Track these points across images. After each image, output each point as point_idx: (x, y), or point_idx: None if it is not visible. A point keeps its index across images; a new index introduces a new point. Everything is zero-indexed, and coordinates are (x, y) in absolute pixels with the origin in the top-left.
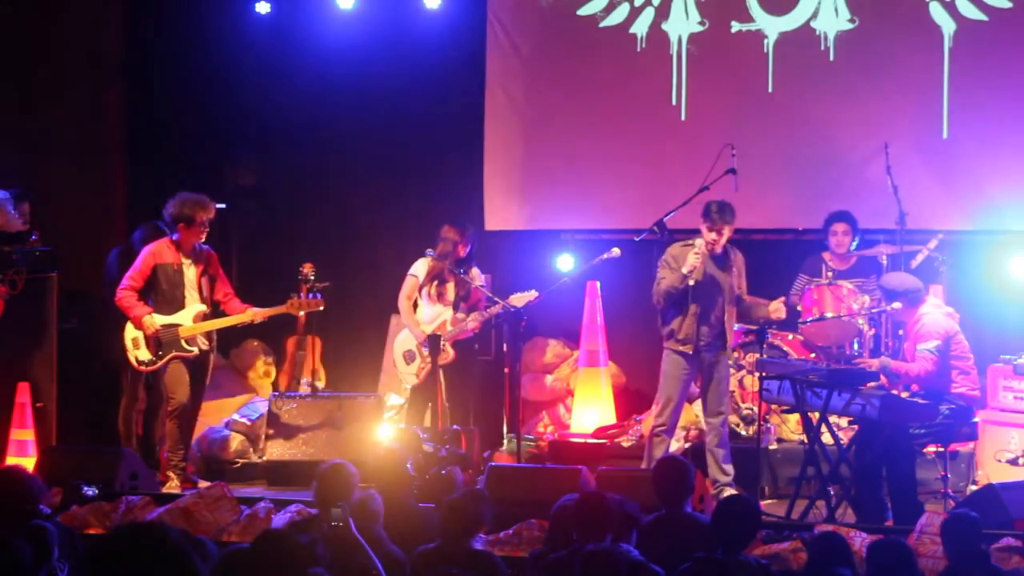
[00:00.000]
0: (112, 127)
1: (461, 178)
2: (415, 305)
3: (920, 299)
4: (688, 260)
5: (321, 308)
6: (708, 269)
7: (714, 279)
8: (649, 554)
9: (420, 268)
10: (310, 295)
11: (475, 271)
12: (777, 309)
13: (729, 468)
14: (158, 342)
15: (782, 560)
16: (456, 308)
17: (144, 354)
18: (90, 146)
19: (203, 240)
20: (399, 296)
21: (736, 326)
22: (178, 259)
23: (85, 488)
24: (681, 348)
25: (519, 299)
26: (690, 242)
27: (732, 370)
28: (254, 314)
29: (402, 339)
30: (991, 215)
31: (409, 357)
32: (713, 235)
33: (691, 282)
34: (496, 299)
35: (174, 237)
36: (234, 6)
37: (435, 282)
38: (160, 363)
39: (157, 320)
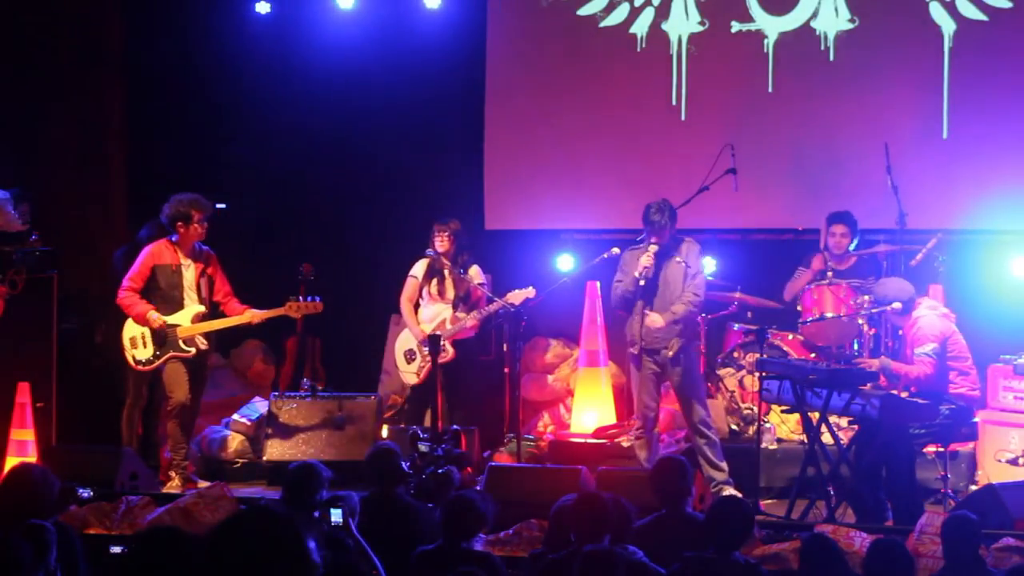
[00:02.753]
0: (112, 127)
1: (461, 178)
2: (417, 306)
3: (912, 304)
4: (640, 262)
5: (320, 311)
6: (657, 268)
7: (660, 277)
8: (649, 554)
9: (419, 268)
10: (309, 297)
11: (475, 269)
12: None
13: (722, 464)
14: (159, 340)
15: (782, 560)
16: (456, 307)
17: (142, 353)
18: (90, 146)
19: (203, 239)
20: (401, 297)
21: (736, 326)
22: (177, 260)
23: (80, 490)
24: (631, 349)
25: (516, 296)
26: (641, 246)
27: (731, 370)
28: (252, 315)
29: (403, 338)
30: (991, 215)
31: (410, 356)
32: (655, 238)
33: (641, 283)
34: (494, 297)
35: (173, 238)
36: (234, 6)
37: (434, 280)
38: (157, 363)
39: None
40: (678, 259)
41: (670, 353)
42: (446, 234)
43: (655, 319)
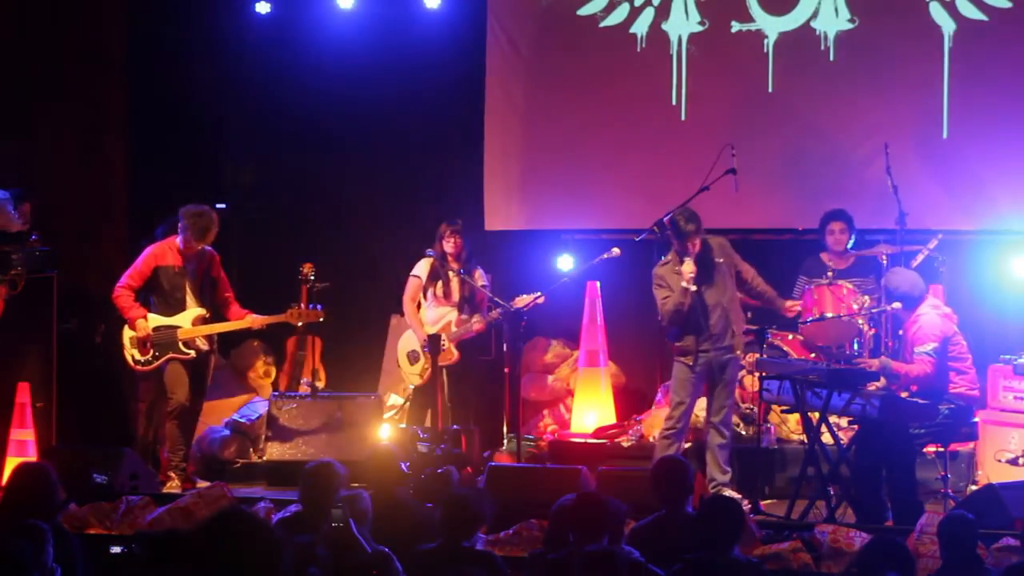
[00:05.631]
0: (113, 127)
1: (461, 178)
2: (419, 306)
3: (919, 301)
4: (684, 269)
5: (321, 319)
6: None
7: (704, 284)
8: (649, 554)
9: (422, 268)
10: (310, 306)
11: (479, 272)
12: (791, 308)
13: (727, 468)
14: (154, 344)
15: (782, 560)
16: (461, 309)
17: (140, 354)
18: (90, 146)
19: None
20: (404, 298)
21: None
22: (179, 261)
23: (95, 476)
24: (685, 359)
25: (523, 301)
26: (668, 259)
27: None
28: (253, 321)
29: (406, 339)
30: (991, 215)
31: (413, 357)
32: (688, 246)
33: (692, 288)
34: (500, 302)
35: (178, 239)
36: (234, 6)
37: (438, 282)
38: (156, 364)
39: (152, 322)
40: (719, 259)
41: (739, 351)
42: (457, 234)
43: (793, 307)
